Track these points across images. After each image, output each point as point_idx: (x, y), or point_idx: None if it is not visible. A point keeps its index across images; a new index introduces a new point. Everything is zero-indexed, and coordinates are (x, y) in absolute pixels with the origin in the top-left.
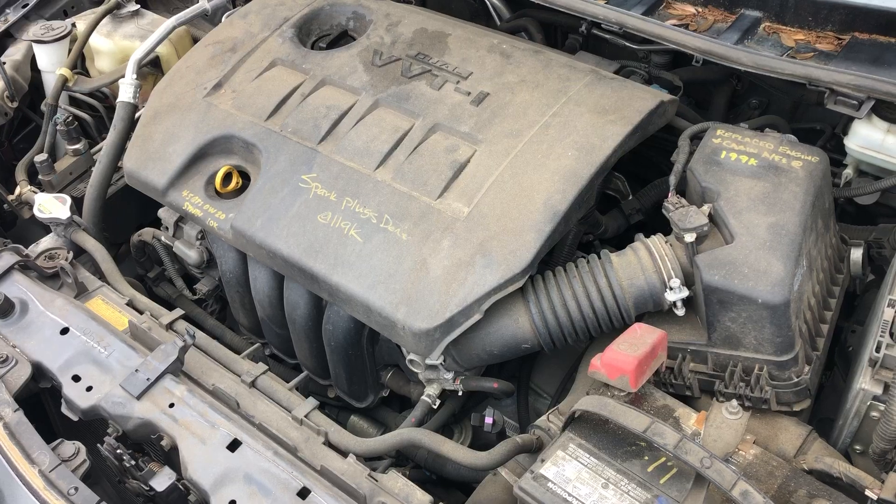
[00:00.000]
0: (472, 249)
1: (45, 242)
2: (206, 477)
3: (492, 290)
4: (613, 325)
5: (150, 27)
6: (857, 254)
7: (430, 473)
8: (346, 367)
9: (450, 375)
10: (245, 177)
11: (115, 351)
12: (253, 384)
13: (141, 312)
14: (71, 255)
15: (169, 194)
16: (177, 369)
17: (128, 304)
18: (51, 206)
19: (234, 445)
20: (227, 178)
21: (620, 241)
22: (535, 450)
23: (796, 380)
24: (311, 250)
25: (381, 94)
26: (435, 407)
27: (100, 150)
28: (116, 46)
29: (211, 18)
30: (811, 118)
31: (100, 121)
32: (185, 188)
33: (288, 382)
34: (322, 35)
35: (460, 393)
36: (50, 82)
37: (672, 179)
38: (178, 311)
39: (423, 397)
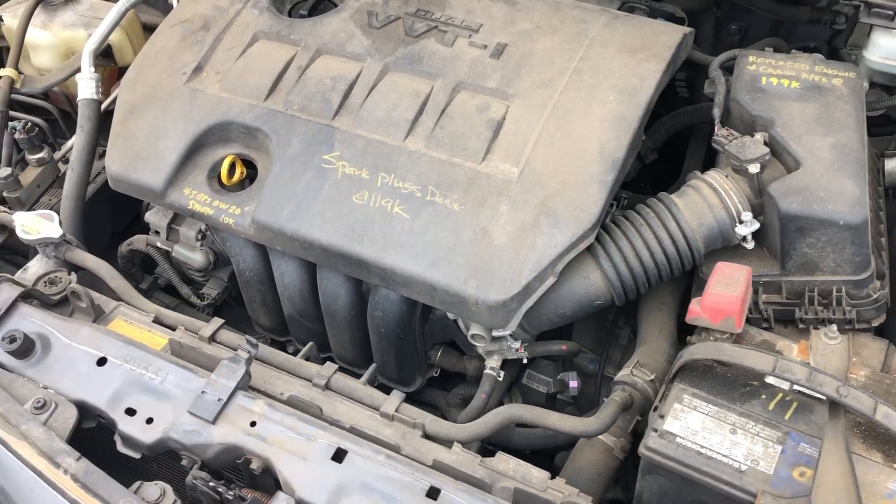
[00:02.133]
0: (533, 210)
1: (36, 266)
2: (319, 494)
3: (565, 250)
4: (684, 268)
5: (92, 13)
6: (892, 164)
7: (491, 446)
8: (396, 352)
9: (517, 344)
10: (248, 165)
11: (170, 374)
12: (327, 386)
13: (172, 329)
14: (74, 276)
15: (169, 195)
16: (246, 384)
17: (154, 322)
18: (37, 225)
19: (339, 456)
20: (231, 168)
21: (636, 185)
22: (627, 407)
23: (875, 295)
24: (354, 234)
25: (388, 58)
26: (500, 378)
27: (63, 157)
28: (57, 38)
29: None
30: (797, 37)
31: (54, 124)
32: (186, 185)
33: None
34: (298, 1)
35: (525, 360)
36: None
37: (716, 112)
38: (217, 321)
39: (488, 370)
